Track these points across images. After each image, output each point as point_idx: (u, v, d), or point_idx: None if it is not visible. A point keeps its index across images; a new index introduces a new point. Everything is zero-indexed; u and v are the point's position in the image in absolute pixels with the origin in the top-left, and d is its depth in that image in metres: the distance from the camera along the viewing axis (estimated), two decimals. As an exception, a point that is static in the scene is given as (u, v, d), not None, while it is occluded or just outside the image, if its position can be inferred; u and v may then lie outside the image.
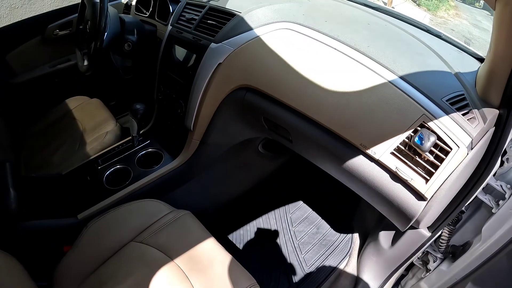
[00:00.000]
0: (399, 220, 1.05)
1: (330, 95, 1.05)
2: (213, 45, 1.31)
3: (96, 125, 1.77)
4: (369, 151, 0.97)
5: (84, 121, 1.84)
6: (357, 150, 1.01)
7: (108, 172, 1.48)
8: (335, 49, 1.11)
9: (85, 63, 1.74)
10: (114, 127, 1.75)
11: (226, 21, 1.35)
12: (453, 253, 1.12)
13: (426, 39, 1.23)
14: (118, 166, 1.48)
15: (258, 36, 1.23)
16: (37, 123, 2.03)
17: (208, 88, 1.31)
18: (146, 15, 1.88)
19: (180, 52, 1.50)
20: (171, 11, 1.66)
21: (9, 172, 1.24)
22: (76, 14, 1.94)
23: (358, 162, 1.02)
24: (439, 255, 1.15)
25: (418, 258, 1.25)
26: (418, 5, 7.64)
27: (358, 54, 1.08)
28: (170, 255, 1.14)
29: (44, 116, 2.04)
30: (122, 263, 1.16)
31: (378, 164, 0.98)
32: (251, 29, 1.26)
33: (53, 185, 1.50)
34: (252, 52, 1.23)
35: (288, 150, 1.71)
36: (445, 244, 1.11)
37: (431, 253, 1.17)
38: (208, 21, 1.41)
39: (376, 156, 0.96)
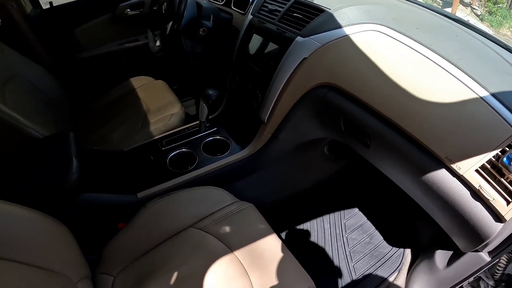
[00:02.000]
0: (467, 240, 1.01)
1: (420, 104, 1.00)
2: (299, 38, 1.28)
3: (161, 107, 1.78)
4: (454, 166, 0.93)
5: (148, 101, 1.85)
6: (441, 163, 0.97)
7: (172, 154, 1.46)
8: (428, 57, 1.06)
9: (157, 43, 1.75)
10: (179, 110, 1.75)
11: (314, 16, 1.30)
12: (508, 282, 1.06)
13: (509, 57, 1.17)
14: (183, 150, 1.47)
15: (347, 35, 1.19)
16: (99, 99, 2.06)
17: (289, 82, 1.27)
18: (221, 3, 1.87)
19: (260, 43, 1.48)
20: (251, 0, 1.64)
21: (72, 142, 1.24)
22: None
23: (439, 176, 0.97)
24: (491, 283, 1.09)
25: (469, 283, 1.19)
26: (481, 20, 7.33)
27: (450, 65, 1.02)
28: (230, 247, 1.11)
29: (106, 93, 2.07)
30: (178, 248, 1.15)
31: (460, 180, 0.94)
32: (340, 27, 1.22)
33: (114, 161, 1.50)
34: (340, 50, 1.19)
35: (350, 155, 1.67)
36: (501, 272, 1.05)
37: (483, 279, 1.11)
38: (294, 14, 1.37)
39: (460, 172, 0.92)
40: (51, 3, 2.12)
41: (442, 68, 1.03)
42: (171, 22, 1.67)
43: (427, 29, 1.22)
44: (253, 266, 1.07)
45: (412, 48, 1.10)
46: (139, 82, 2.03)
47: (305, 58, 1.23)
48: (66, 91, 1.94)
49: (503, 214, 0.87)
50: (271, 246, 1.12)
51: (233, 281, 1.04)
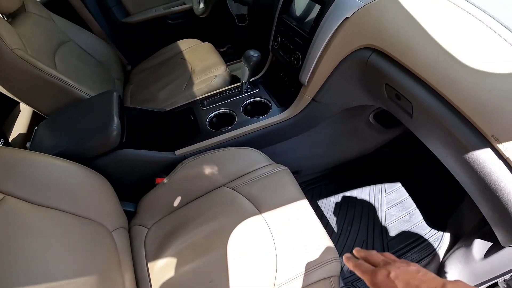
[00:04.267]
0: (507, 233, 0.92)
1: (468, 73, 0.88)
2: None
3: (206, 68, 1.81)
4: (500, 146, 0.81)
5: (194, 63, 1.90)
6: (486, 142, 0.85)
7: (212, 114, 1.47)
8: (482, 22, 0.94)
9: (201, 5, 1.76)
10: (224, 71, 1.77)
11: None
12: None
13: None
14: (223, 110, 1.48)
15: None
16: (148, 61, 2.14)
17: (330, 43, 1.20)
18: None
19: (302, 1, 1.39)
20: None
21: (115, 101, 1.30)
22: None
23: (483, 156, 0.86)
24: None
25: (504, 280, 1.10)
26: None
27: (509, 33, 0.89)
28: (259, 209, 1.13)
29: (154, 55, 2.15)
30: (210, 205, 1.19)
31: (506, 164, 0.83)
32: (386, -14, 1.12)
33: (156, 120, 1.54)
34: (384, 10, 1.09)
35: (398, 127, 1.59)
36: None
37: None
38: None
39: (507, 154, 0.81)
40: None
41: (499, 35, 0.91)
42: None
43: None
44: (278, 231, 1.07)
45: (463, 10, 0.97)
46: (186, 45, 2.08)
47: (347, 18, 1.14)
48: (115, 54, 2.04)
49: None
50: (300, 213, 1.12)
51: (258, 241, 1.05)
